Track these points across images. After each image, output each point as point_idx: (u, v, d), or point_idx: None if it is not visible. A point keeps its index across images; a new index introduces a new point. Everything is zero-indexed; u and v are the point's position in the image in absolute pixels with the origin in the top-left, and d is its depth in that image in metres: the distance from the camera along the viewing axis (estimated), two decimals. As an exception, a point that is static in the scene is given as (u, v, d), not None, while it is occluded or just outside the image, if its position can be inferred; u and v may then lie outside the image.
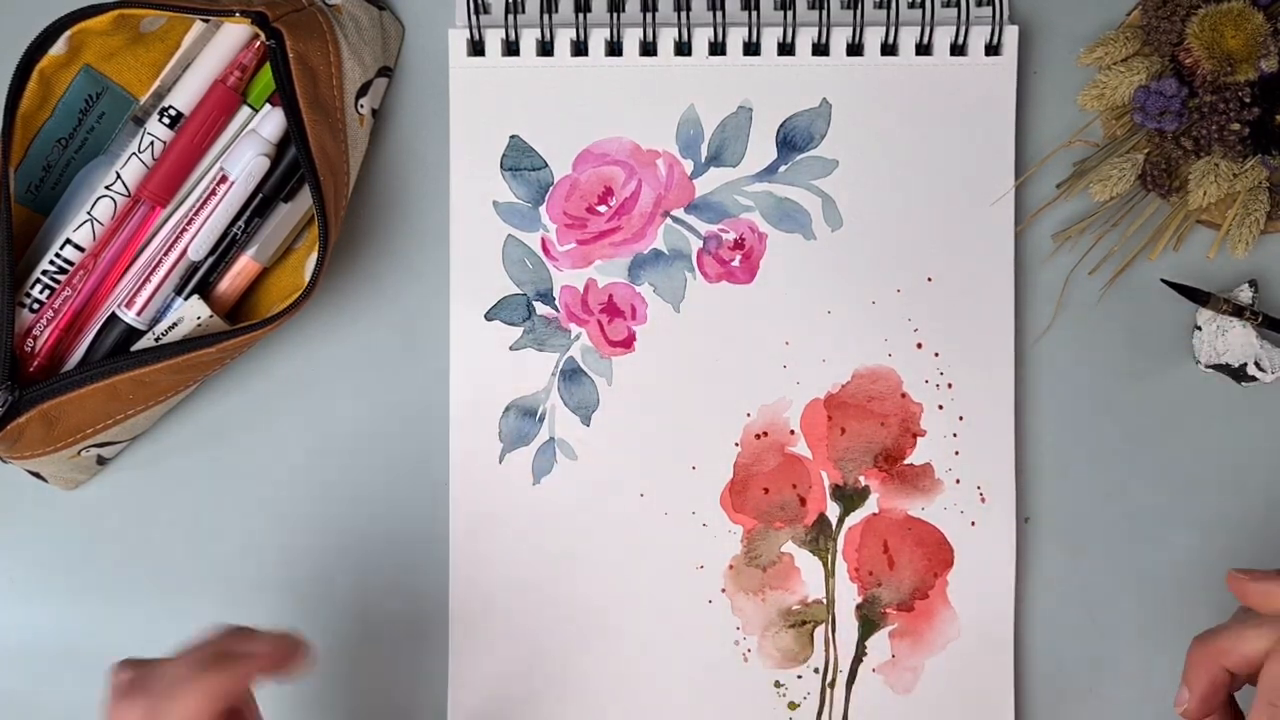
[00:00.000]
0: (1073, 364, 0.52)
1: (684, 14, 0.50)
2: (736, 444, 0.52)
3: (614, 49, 0.51)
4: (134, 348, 0.48)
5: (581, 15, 0.51)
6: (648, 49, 0.51)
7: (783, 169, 0.52)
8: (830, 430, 0.52)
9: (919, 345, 0.52)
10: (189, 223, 0.48)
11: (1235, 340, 0.50)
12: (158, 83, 0.49)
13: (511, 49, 0.51)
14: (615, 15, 0.50)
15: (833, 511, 0.52)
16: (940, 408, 0.52)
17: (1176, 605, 0.52)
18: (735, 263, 0.52)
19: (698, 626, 0.52)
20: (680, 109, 0.52)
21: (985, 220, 0.51)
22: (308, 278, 0.48)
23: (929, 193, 0.51)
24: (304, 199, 0.50)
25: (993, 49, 0.51)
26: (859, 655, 0.52)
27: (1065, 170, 0.52)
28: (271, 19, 0.46)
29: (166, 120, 0.48)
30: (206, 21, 0.48)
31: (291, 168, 0.49)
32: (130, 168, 0.48)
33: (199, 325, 0.48)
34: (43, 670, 0.53)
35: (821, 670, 0.52)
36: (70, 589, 0.53)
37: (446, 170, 0.52)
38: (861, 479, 0.52)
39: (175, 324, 0.48)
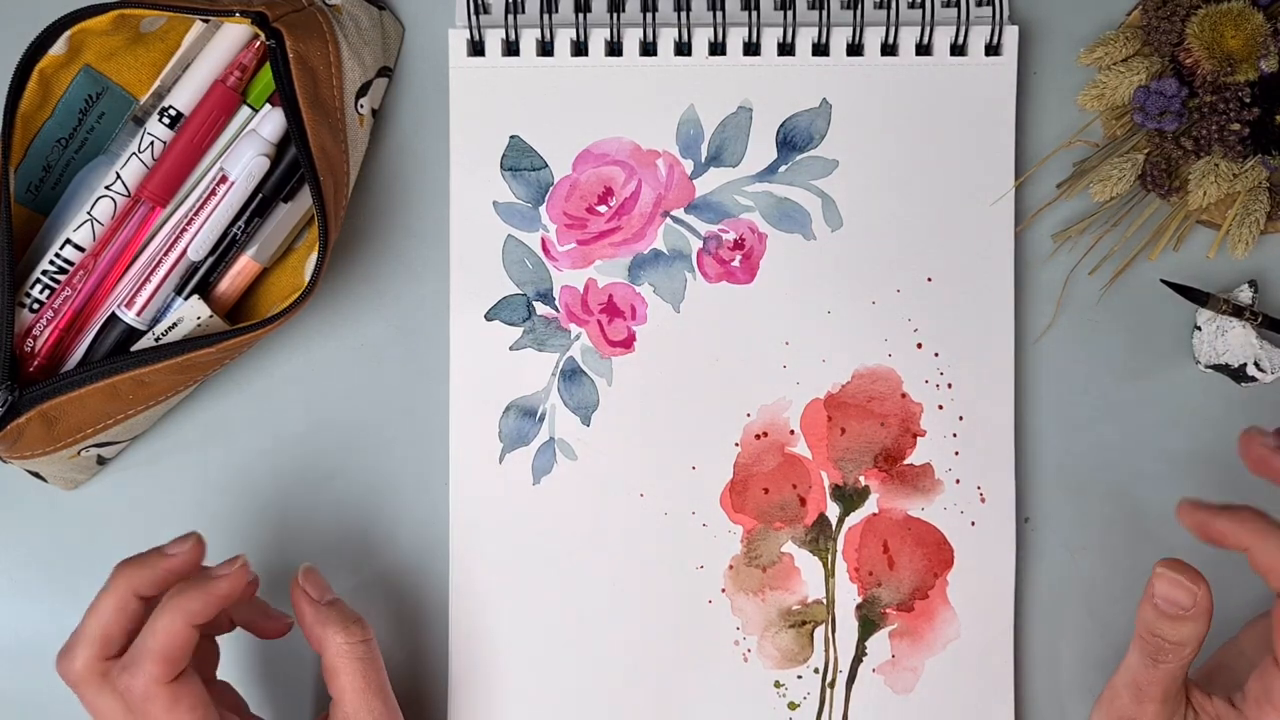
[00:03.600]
0: (1073, 364, 0.52)
1: (684, 14, 0.50)
2: (736, 444, 0.52)
3: (614, 49, 0.51)
4: (134, 348, 0.48)
5: (581, 15, 0.51)
6: (648, 49, 0.51)
7: (783, 169, 0.52)
8: (830, 430, 0.52)
9: (919, 345, 0.52)
10: (189, 223, 0.48)
11: (1235, 340, 0.50)
12: (158, 83, 0.49)
13: (511, 49, 0.51)
14: (615, 15, 0.51)
15: (833, 511, 0.52)
16: (940, 408, 0.52)
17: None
18: (735, 263, 0.52)
19: (698, 626, 0.52)
20: (680, 109, 0.52)
21: (985, 220, 0.51)
22: (308, 278, 0.48)
23: (929, 193, 0.51)
24: (304, 199, 0.50)
25: (993, 49, 0.51)
26: (859, 655, 0.52)
27: (1065, 170, 0.52)
28: (271, 19, 0.46)
29: (166, 120, 0.48)
30: (206, 21, 0.48)
31: (291, 168, 0.49)
32: (130, 168, 0.48)
33: (199, 325, 0.48)
34: (43, 670, 0.53)
35: (821, 670, 0.52)
36: (70, 589, 0.53)
37: (446, 170, 0.52)
38: (861, 479, 0.52)
39: (175, 324, 0.48)
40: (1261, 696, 0.42)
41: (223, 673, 0.49)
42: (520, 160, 0.52)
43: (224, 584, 0.44)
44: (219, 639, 0.49)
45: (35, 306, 0.48)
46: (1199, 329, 0.51)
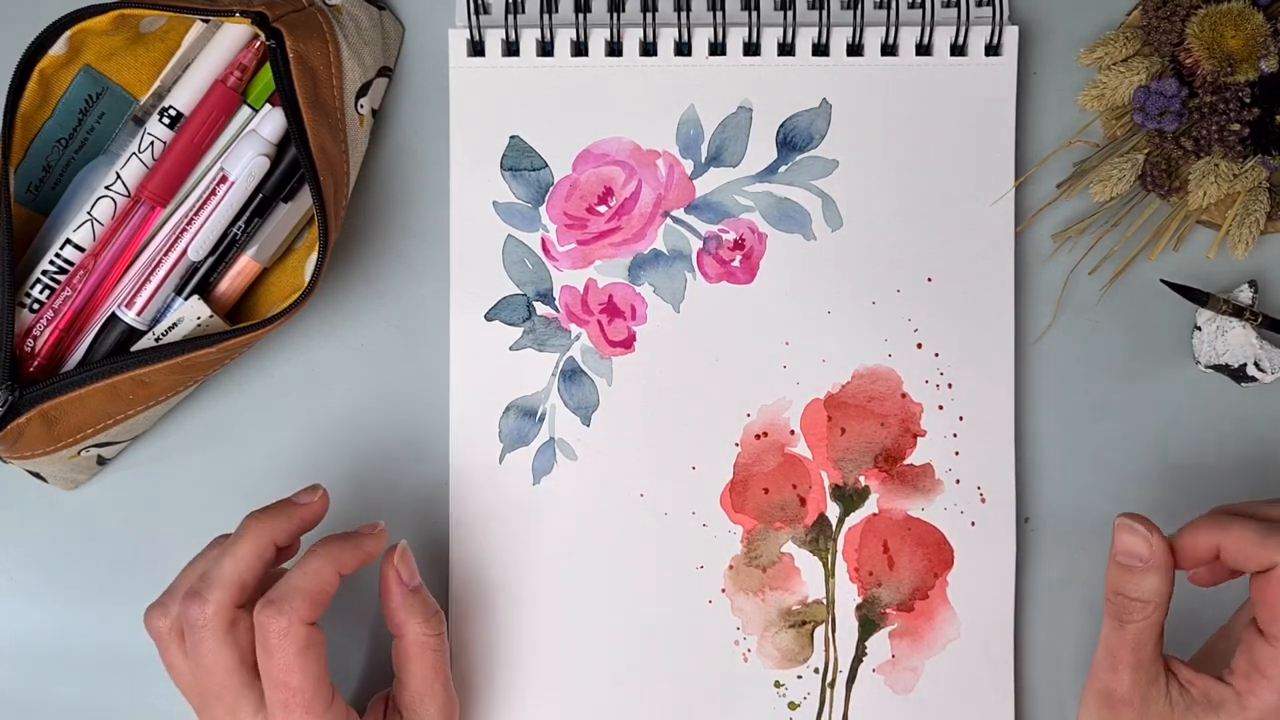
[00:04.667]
0: (1073, 364, 0.52)
1: (684, 14, 0.50)
2: (736, 444, 0.52)
3: (614, 49, 0.51)
4: (134, 348, 0.48)
5: (581, 15, 0.51)
6: (648, 49, 0.51)
7: (783, 169, 0.52)
8: (830, 430, 0.52)
9: (919, 345, 0.52)
10: (189, 223, 0.48)
11: (1235, 340, 0.50)
12: (158, 83, 0.49)
13: (511, 49, 0.51)
14: (615, 15, 0.51)
15: (833, 511, 0.52)
16: (940, 408, 0.52)
17: (1176, 606, 0.52)
18: (735, 263, 0.52)
19: (698, 626, 0.52)
20: (680, 109, 0.52)
21: (985, 220, 0.51)
22: (308, 278, 0.48)
23: (929, 193, 0.51)
24: (304, 199, 0.50)
25: (993, 49, 0.51)
26: (859, 655, 0.52)
27: (1065, 170, 0.52)
28: (271, 19, 0.46)
29: (166, 120, 0.48)
30: (206, 21, 0.48)
31: (291, 168, 0.49)
32: (130, 168, 0.48)
33: (199, 325, 0.48)
34: (43, 670, 0.53)
35: (821, 670, 0.52)
36: (70, 589, 0.53)
37: (446, 170, 0.52)
38: (861, 479, 0.52)
39: (175, 324, 0.48)
40: (1250, 669, 0.43)
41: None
42: (520, 160, 0.52)
43: (370, 542, 0.46)
44: None
45: (35, 306, 0.48)
46: (1199, 329, 0.51)
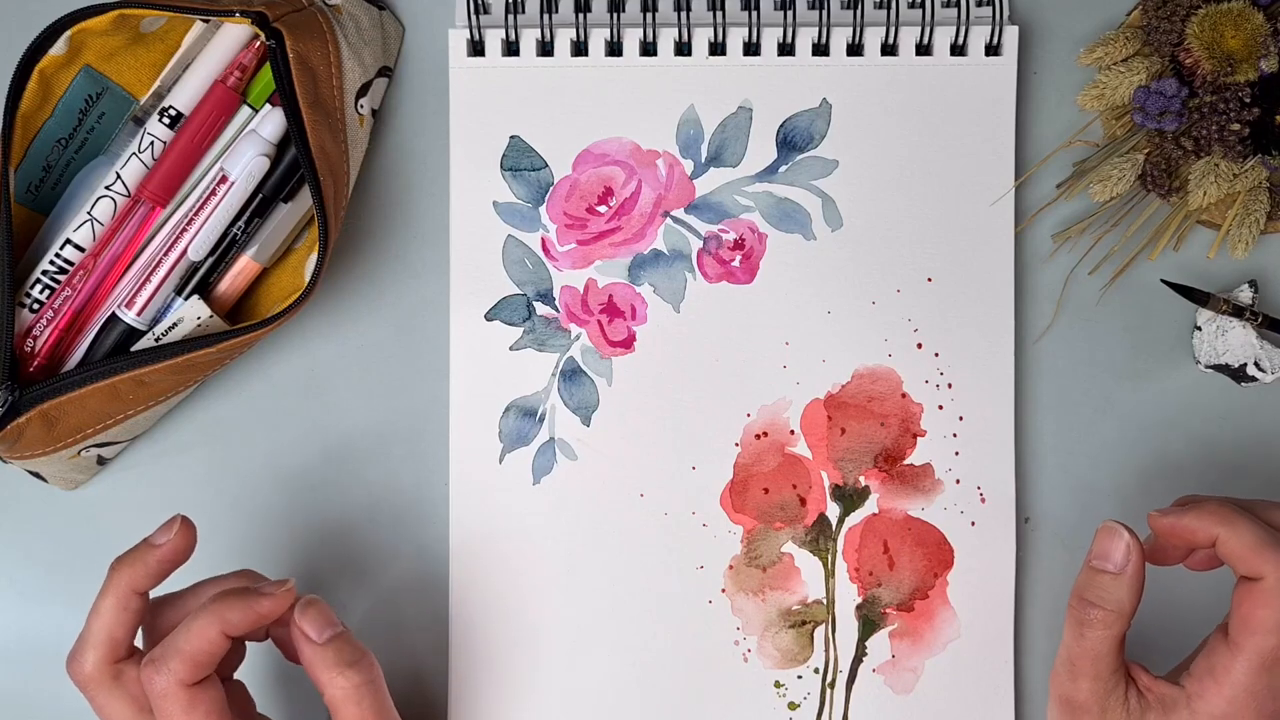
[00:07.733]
0: (1073, 364, 0.52)
1: (684, 14, 0.50)
2: (736, 444, 0.52)
3: (614, 49, 0.51)
4: (134, 348, 0.48)
5: (581, 15, 0.51)
6: (648, 49, 0.51)
7: (783, 169, 0.52)
8: (830, 430, 0.52)
9: (919, 345, 0.52)
10: (189, 223, 0.48)
11: (1235, 340, 0.51)
12: (158, 83, 0.49)
13: (511, 49, 0.51)
14: (615, 15, 0.51)
15: (833, 512, 0.52)
16: (940, 408, 0.52)
17: (1175, 606, 0.52)
18: (735, 263, 0.52)
19: (698, 626, 0.52)
20: (680, 109, 0.52)
21: (985, 220, 0.51)
22: (308, 278, 0.48)
23: (929, 193, 0.51)
24: (304, 199, 0.50)
25: (993, 49, 0.51)
26: (859, 655, 0.52)
27: (1065, 170, 0.52)
28: (271, 19, 0.46)
29: (166, 120, 0.48)
30: (206, 21, 0.49)
31: (291, 168, 0.49)
32: (130, 168, 0.48)
33: (199, 325, 0.48)
34: (43, 670, 0.53)
35: (821, 670, 0.52)
36: (70, 589, 0.53)
37: (446, 170, 0.52)
38: (861, 479, 0.52)
39: (175, 324, 0.48)
40: (1205, 673, 0.42)
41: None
42: (520, 160, 0.52)
43: (267, 603, 0.43)
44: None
45: (35, 306, 0.48)
46: (1199, 329, 0.51)
